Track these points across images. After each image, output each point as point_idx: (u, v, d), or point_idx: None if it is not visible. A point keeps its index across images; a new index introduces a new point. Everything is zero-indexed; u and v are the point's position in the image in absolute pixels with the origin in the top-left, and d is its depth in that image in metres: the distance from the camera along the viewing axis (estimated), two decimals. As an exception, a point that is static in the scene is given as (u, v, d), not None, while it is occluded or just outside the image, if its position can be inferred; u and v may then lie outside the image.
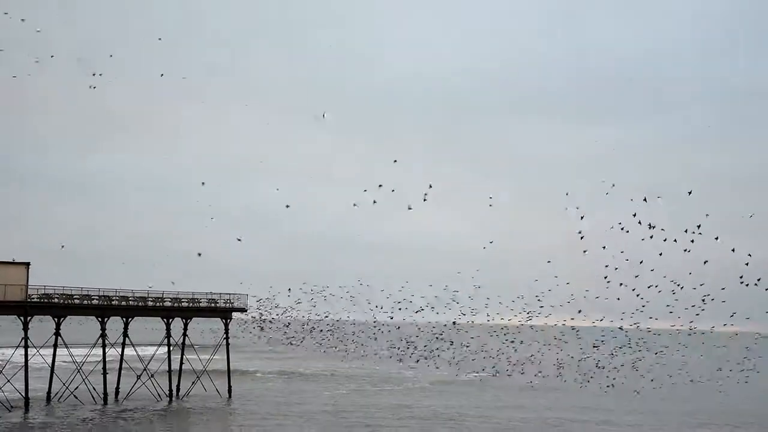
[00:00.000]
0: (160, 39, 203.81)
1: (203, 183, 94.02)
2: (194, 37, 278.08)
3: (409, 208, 62.48)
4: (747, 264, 58.01)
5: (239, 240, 70.66)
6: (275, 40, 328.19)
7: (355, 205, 62.26)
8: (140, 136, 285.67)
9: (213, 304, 67.66)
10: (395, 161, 70.48)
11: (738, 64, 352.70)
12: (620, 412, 66.99)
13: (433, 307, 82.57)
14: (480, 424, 58.48)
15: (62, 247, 72.17)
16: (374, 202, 61.53)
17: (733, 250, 58.23)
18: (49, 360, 63.65)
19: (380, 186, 61.13)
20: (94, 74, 64.34)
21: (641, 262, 63.75)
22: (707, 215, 58.59)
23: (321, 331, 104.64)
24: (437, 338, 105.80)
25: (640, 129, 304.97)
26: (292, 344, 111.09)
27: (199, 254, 67.54)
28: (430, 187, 62.76)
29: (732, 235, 59.97)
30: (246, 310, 69.15)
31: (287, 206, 66.72)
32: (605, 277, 67.09)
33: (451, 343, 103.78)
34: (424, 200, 61.06)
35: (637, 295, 70.02)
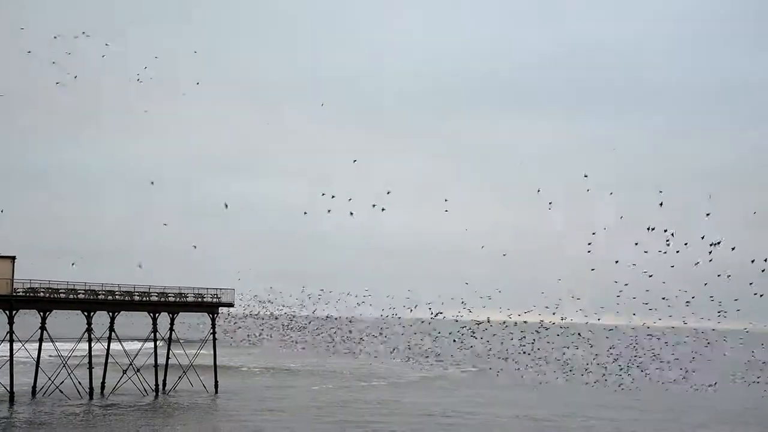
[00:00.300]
0: (195, 52, 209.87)
1: (152, 182, 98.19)
2: (194, 37, 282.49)
3: (351, 214, 65.34)
4: (763, 270, 60.24)
5: (73, 265, 73.11)
6: (275, 40, 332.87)
7: (352, 213, 65.17)
8: (140, 136, 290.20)
9: (200, 299, 71.02)
10: (354, 161, 73.39)
11: (738, 61, 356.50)
12: (622, 410, 69.28)
13: (441, 314, 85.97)
14: (469, 420, 61.26)
15: (72, 264, 74.71)
16: (329, 211, 64.75)
17: (752, 261, 60.33)
18: (35, 354, 66.62)
19: (333, 196, 64.10)
20: (138, 73, 68.53)
21: (650, 276, 66.46)
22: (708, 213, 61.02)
23: (300, 329, 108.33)
24: (443, 338, 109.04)
25: (641, 128, 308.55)
26: (254, 344, 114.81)
27: (140, 265, 70.89)
28: (388, 193, 66.06)
29: (733, 236, 62.07)
30: (233, 305, 72.57)
31: (226, 205, 69.48)
32: (618, 293, 70.09)
33: (469, 346, 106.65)
34: (383, 210, 64.20)
35: (650, 309, 72.93)
